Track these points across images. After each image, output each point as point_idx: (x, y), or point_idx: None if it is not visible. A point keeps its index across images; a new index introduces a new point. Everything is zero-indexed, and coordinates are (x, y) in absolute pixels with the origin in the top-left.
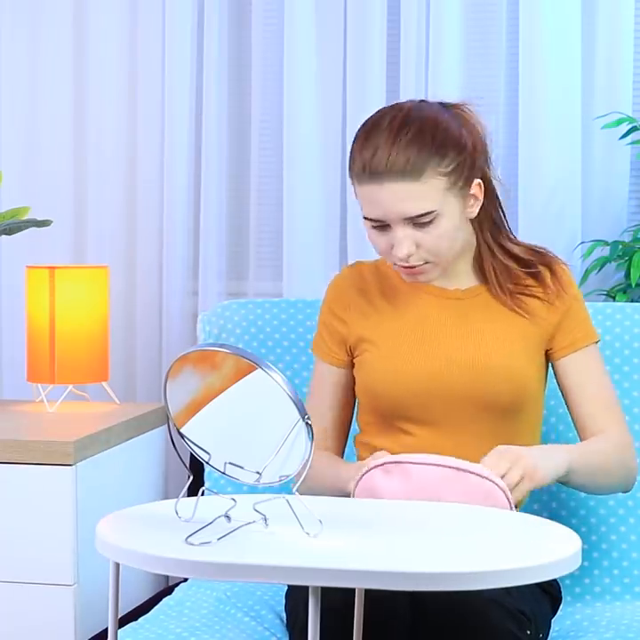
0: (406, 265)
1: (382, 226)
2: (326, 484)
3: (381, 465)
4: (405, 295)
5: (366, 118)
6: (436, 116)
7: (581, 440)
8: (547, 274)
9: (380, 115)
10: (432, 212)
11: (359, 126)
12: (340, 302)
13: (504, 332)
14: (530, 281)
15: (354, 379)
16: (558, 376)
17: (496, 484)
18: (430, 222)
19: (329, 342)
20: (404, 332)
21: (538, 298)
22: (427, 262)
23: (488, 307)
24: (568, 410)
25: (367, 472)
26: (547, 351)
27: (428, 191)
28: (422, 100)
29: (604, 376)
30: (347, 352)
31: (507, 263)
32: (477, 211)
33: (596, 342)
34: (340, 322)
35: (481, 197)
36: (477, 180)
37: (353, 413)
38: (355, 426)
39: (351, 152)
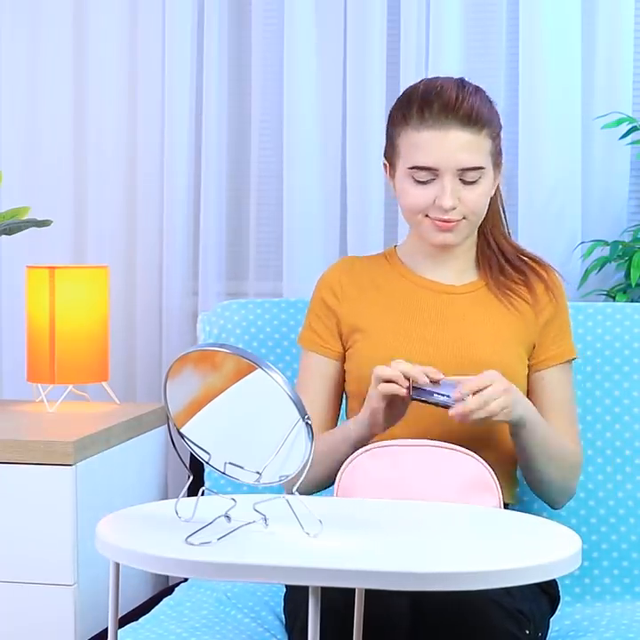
0: (445, 218)
1: (427, 180)
2: (339, 448)
3: (367, 451)
4: (398, 287)
5: (406, 89)
6: (484, 96)
7: None
8: (537, 280)
9: (428, 83)
10: (482, 168)
11: (402, 95)
12: (332, 294)
13: (497, 328)
14: (520, 283)
15: (345, 372)
16: (531, 384)
17: (482, 464)
18: (476, 181)
19: (321, 333)
20: (397, 322)
21: (526, 302)
22: (463, 218)
23: (483, 303)
24: None
25: (355, 458)
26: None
27: (483, 147)
28: (461, 78)
29: (573, 392)
30: (340, 343)
31: (501, 261)
32: (495, 191)
33: (574, 359)
34: (331, 313)
35: (499, 181)
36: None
37: (340, 408)
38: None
39: (400, 102)
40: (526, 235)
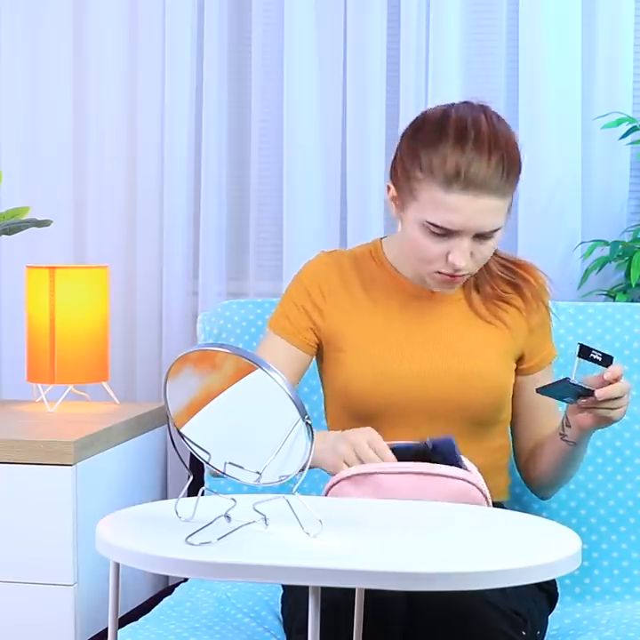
0: (455, 274)
1: (443, 234)
2: None
3: (348, 477)
4: (386, 291)
5: (431, 118)
6: (512, 135)
7: (517, 443)
8: (525, 286)
9: (460, 121)
10: (501, 228)
11: (426, 125)
12: (318, 289)
13: (483, 338)
14: (509, 290)
15: (308, 366)
16: (519, 387)
17: (471, 484)
18: (492, 236)
19: (297, 323)
20: (383, 332)
21: (516, 307)
22: (469, 273)
23: (468, 312)
24: (516, 417)
25: (336, 484)
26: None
27: (506, 206)
28: (485, 107)
29: None
30: (315, 338)
31: (487, 271)
32: None
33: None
34: (316, 310)
35: None
36: None
37: None
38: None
39: (432, 154)
40: (526, 235)
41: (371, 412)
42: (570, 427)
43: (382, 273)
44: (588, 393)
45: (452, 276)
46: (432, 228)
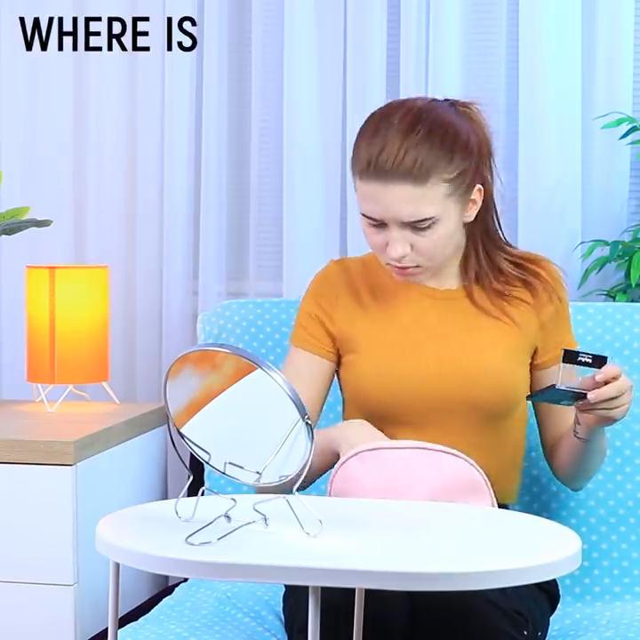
0: (399, 265)
1: (379, 224)
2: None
3: (356, 454)
4: (394, 293)
5: (374, 111)
6: (447, 118)
7: (541, 434)
8: (536, 280)
9: (389, 109)
10: (432, 218)
11: (366, 118)
12: (327, 298)
13: (489, 335)
14: (519, 285)
15: (333, 374)
16: (536, 382)
17: (470, 464)
18: (428, 227)
19: (315, 333)
20: (393, 333)
21: (526, 302)
22: (418, 266)
23: (473, 309)
24: (539, 414)
25: (344, 462)
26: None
27: (431, 196)
28: (433, 99)
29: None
30: (333, 344)
31: (493, 269)
32: (474, 215)
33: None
34: (327, 317)
35: (480, 202)
36: (479, 186)
37: (322, 409)
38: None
39: (355, 145)
40: (526, 235)
41: (382, 412)
42: (580, 424)
43: (388, 275)
44: (581, 396)
45: (399, 268)
46: (366, 218)
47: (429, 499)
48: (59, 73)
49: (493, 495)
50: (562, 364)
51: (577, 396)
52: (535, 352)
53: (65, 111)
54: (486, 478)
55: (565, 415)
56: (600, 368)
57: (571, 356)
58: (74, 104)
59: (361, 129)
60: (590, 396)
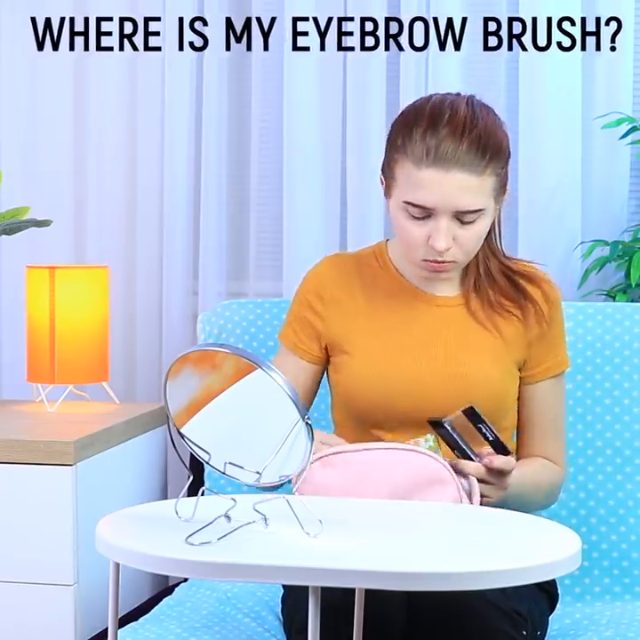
0: (438, 259)
1: (422, 216)
2: None
3: (319, 459)
4: (387, 294)
5: (416, 101)
6: (495, 118)
7: (521, 452)
8: (529, 301)
9: (442, 101)
10: (482, 209)
11: (412, 108)
12: (317, 296)
13: (480, 343)
14: (511, 303)
15: (321, 376)
16: (521, 396)
17: (436, 459)
18: (474, 221)
19: (301, 335)
20: (385, 335)
21: (517, 318)
22: (454, 261)
23: (467, 317)
24: (518, 426)
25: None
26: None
27: (485, 188)
28: (472, 96)
29: (563, 405)
30: (320, 348)
31: (490, 280)
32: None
33: (566, 369)
34: (316, 316)
35: (502, 205)
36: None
37: (309, 409)
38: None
39: (406, 134)
40: (526, 235)
41: (372, 415)
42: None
43: (384, 274)
44: (465, 455)
45: (437, 262)
46: (411, 208)
47: (394, 495)
48: (59, 73)
49: (460, 488)
50: (460, 412)
51: (463, 453)
52: (524, 364)
53: (65, 111)
54: (452, 472)
55: (542, 441)
56: (497, 452)
57: (472, 416)
58: (74, 104)
59: (410, 119)
60: (468, 465)
